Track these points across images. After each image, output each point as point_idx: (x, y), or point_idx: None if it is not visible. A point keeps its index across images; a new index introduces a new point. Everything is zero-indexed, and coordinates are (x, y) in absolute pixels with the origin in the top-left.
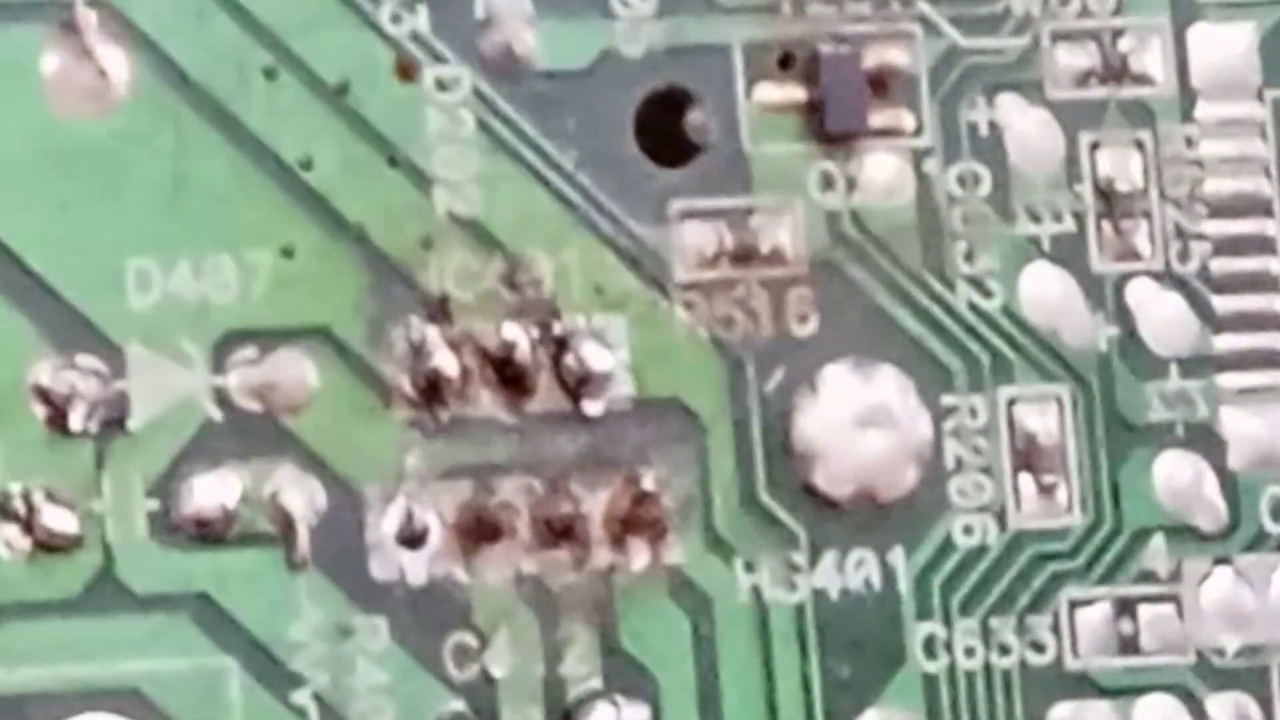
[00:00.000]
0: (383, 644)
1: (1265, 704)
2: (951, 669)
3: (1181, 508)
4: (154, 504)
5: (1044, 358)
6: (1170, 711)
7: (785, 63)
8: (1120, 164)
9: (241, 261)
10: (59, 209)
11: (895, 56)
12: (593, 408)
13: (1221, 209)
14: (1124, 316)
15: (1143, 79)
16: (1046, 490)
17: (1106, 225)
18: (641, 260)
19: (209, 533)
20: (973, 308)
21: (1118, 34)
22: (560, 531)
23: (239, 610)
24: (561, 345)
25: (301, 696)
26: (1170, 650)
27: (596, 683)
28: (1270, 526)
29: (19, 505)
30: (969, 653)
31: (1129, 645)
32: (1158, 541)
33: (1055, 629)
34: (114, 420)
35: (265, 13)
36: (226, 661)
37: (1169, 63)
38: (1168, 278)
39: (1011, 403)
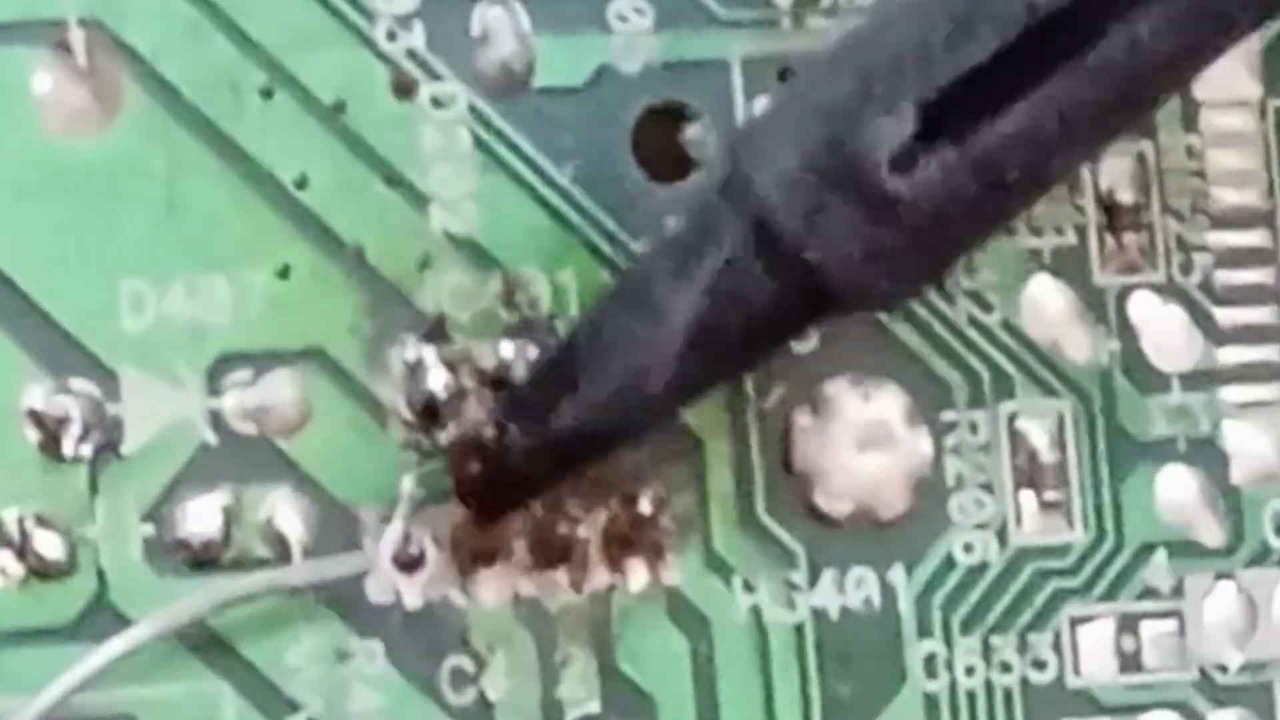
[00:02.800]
0: (379, 668)
1: None
2: (952, 688)
3: (1184, 523)
4: (148, 529)
5: (1045, 372)
6: None
7: (784, 77)
8: (1121, 176)
9: (236, 282)
10: (51, 230)
11: None
12: None
13: (1224, 221)
14: (1126, 330)
15: None
16: (1048, 507)
17: (1108, 238)
18: None
19: (204, 557)
20: (973, 322)
21: None
22: (557, 553)
23: (234, 635)
24: None
25: None
26: (1173, 667)
27: (595, 705)
28: (1274, 542)
29: (11, 531)
30: (970, 671)
31: (1131, 662)
32: (1160, 558)
33: (1057, 646)
34: (107, 444)
35: (260, 31)
36: (221, 686)
37: None
38: (1170, 291)
39: (1012, 418)
